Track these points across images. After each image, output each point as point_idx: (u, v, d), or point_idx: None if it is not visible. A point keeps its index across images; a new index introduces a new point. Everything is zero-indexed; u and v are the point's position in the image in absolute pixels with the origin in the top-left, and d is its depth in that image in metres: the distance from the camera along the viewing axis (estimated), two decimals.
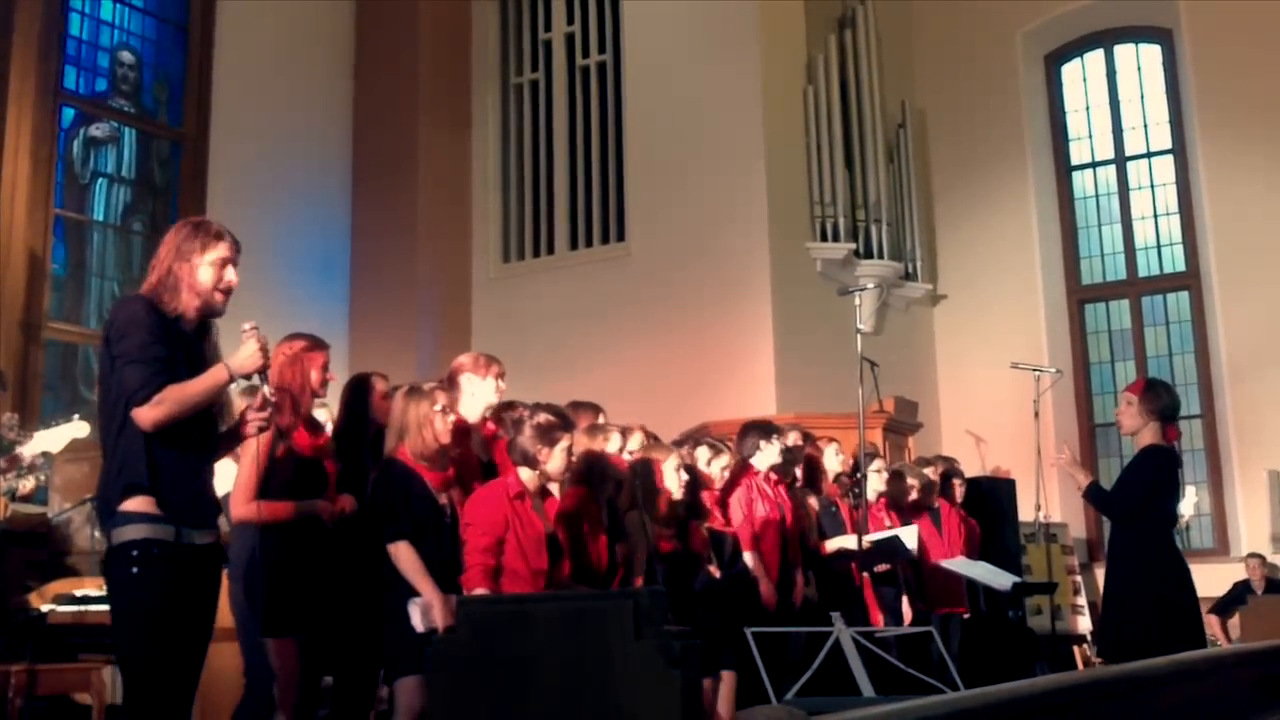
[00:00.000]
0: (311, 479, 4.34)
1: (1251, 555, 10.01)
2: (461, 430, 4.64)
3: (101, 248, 9.51)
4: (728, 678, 5.01)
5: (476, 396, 4.76)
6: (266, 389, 3.40)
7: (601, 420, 5.41)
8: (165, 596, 3.15)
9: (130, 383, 3.16)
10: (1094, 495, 5.35)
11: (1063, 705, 2.46)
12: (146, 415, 3.15)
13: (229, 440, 3.55)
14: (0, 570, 5.57)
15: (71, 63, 9.35)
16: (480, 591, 4.04)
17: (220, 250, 3.33)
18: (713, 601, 5.17)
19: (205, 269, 3.31)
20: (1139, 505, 5.08)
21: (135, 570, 3.13)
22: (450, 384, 4.77)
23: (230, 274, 3.36)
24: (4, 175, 8.45)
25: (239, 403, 4.55)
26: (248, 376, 3.36)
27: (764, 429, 6.05)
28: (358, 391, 4.74)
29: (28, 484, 5.91)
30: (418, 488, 4.20)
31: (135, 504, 3.16)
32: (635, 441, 5.37)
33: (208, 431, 3.38)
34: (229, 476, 4.28)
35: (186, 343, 3.32)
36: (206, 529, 3.31)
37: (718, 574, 5.32)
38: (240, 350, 3.30)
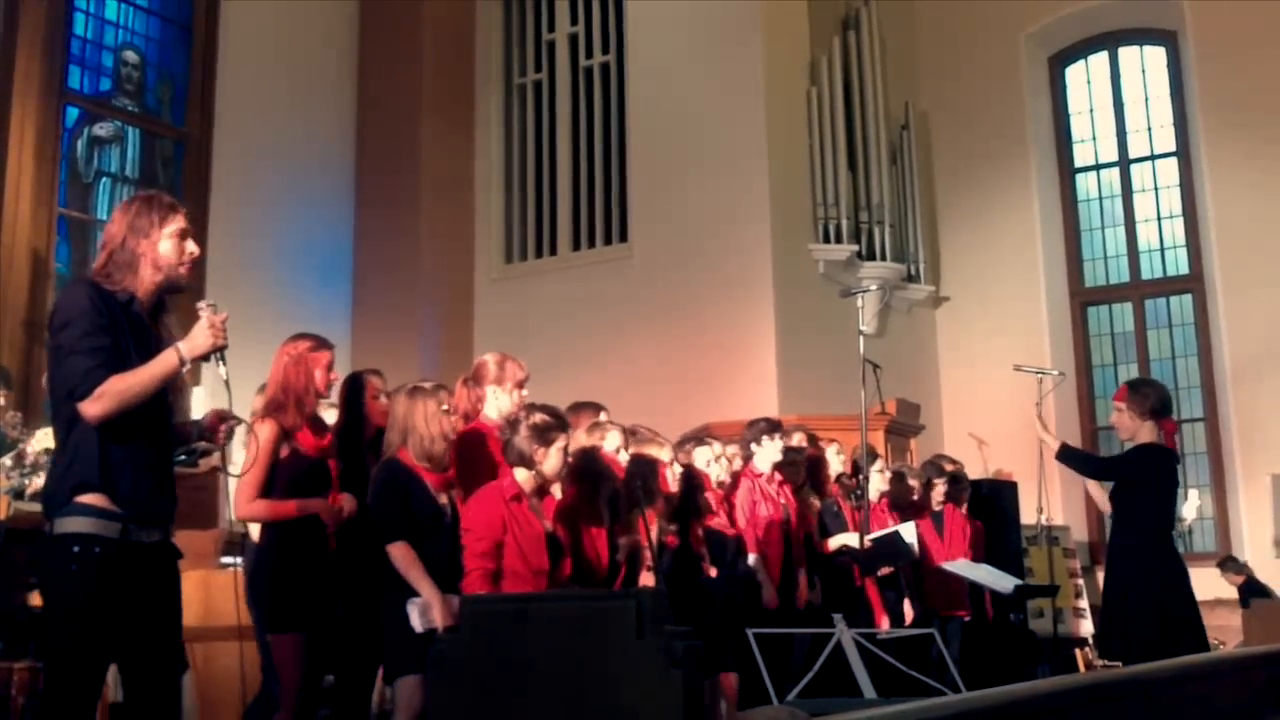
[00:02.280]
0: (316, 479, 4.35)
1: (1224, 560, 9.71)
2: (483, 433, 4.65)
3: None
4: (730, 679, 5.00)
5: (496, 406, 4.79)
6: (223, 370, 3.15)
7: (603, 418, 5.36)
8: (100, 599, 2.98)
9: (72, 377, 3.02)
10: (1066, 455, 5.47)
11: (1064, 708, 2.46)
12: (90, 410, 2.99)
13: (190, 436, 3.32)
14: (3, 568, 5.55)
15: (76, 62, 9.37)
16: None
17: (178, 221, 3.18)
18: (714, 602, 5.17)
19: (166, 242, 3.14)
20: (1109, 468, 5.15)
21: (74, 568, 2.98)
22: (475, 382, 4.79)
23: (191, 245, 3.19)
24: (8, 174, 8.45)
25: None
26: (205, 358, 3.12)
27: (763, 427, 6.00)
28: (354, 390, 4.73)
29: (38, 481, 5.89)
30: (417, 488, 4.19)
31: (85, 499, 3.02)
32: (628, 439, 5.29)
33: (161, 423, 3.17)
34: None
35: (140, 326, 3.14)
36: (157, 527, 3.14)
37: (714, 573, 5.30)
38: (193, 330, 3.10)
